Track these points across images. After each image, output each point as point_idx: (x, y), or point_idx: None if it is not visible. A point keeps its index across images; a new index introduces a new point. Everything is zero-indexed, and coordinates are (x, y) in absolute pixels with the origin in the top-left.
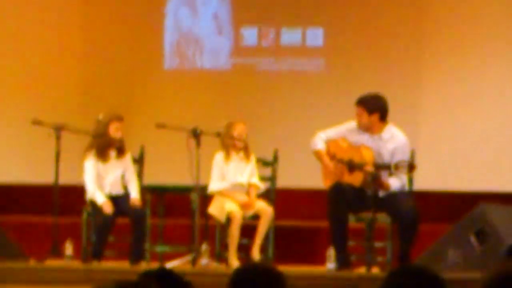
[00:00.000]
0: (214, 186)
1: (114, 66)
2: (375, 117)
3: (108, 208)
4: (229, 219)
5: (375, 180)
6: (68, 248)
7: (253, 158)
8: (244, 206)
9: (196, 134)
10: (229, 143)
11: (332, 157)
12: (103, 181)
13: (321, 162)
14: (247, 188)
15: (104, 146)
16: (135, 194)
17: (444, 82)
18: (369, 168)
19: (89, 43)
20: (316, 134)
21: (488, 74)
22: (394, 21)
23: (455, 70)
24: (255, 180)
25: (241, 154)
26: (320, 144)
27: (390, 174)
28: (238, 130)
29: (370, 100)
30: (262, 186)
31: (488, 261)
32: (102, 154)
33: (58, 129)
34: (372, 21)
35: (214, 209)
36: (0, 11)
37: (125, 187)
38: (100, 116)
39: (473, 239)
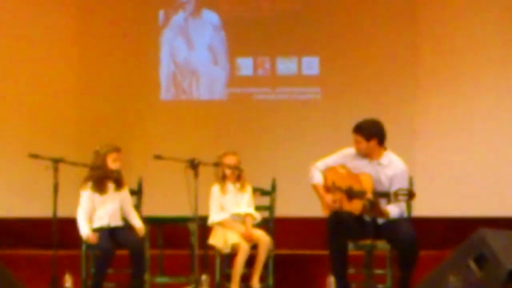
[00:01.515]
0: (214, 217)
1: (110, 98)
2: (373, 143)
3: (93, 240)
4: (233, 250)
5: (374, 208)
6: (68, 281)
7: (249, 189)
8: (244, 237)
9: (193, 165)
10: (221, 174)
11: (331, 185)
12: (100, 212)
13: (318, 196)
14: (244, 219)
15: (102, 177)
16: (139, 224)
17: (441, 107)
18: (368, 196)
19: (85, 74)
20: (313, 165)
21: (486, 99)
22: (388, 47)
23: (452, 94)
24: (252, 210)
25: (237, 185)
26: (316, 176)
27: (389, 202)
28: (228, 161)
29: (366, 126)
30: (259, 216)
31: (488, 286)
32: (99, 186)
33: (56, 162)
34: (367, 48)
35: (215, 240)
36: None
37: (124, 219)
38: (98, 148)
39: (472, 264)
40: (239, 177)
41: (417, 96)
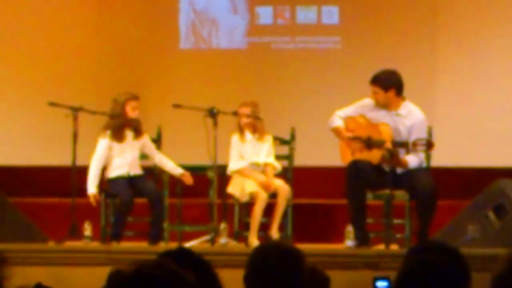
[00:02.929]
0: (233, 166)
1: (129, 47)
2: (391, 93)
3: (92, 201)
4: (251, 199)
5: (393, 158)
6: (87, 229)
7: (269, 138)
8: (263, 186)
9: (213, 114)
10: (239, 124)
11: (351, 134)
12: (119, 161)
13: (340, 138)
14: (264, 168)
15: (121, 126)
16: (180, 170)
17: (460, 56)
18: (387, 146)
19: (104, 24)
20: (333, 113)
21: (507, 48)
22: None
23: (472, 45)
24: (272, 160)
25: (256, 134)
26: (337, 121)
27: (408, 152)
28: (243, 111)
29: (383, 77)
30: (279, 166)
31: (506, 236)
32: (118, 134)
33: (75, 110)
34: None
35: (234, 189)
36: None
37: (143, 168)
38: (116, 96)
39: (491, 214)
40: (255, 127)
41: (437, 46)
